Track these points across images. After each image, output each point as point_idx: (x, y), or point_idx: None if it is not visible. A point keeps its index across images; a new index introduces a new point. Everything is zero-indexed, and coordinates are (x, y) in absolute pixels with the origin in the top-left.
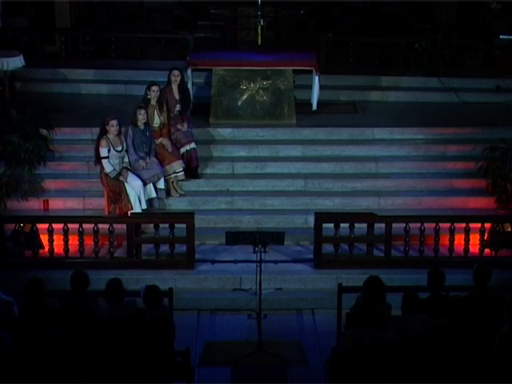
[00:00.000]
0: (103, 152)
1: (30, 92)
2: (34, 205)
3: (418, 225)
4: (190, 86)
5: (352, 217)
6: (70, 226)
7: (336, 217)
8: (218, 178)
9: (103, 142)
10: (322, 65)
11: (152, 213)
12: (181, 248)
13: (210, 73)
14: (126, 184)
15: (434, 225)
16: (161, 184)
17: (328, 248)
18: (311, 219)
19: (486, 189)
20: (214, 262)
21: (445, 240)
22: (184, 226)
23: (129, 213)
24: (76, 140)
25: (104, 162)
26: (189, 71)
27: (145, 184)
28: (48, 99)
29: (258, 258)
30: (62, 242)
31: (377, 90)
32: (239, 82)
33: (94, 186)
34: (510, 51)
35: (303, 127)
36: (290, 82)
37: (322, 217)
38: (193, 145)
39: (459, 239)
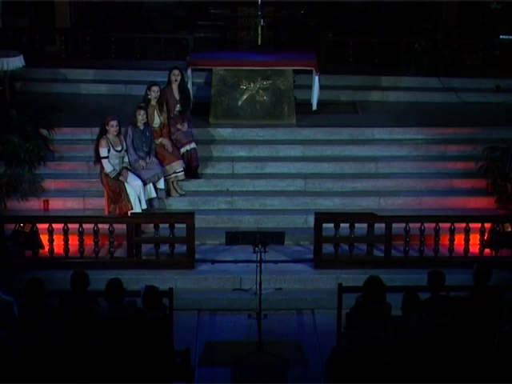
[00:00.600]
0: (103, 152)
1: (30, 92)
2: (34, 205)
3: (418, 225)
4: (190, 86)
5: (352, 217)
6: (70, 225)
7: (336, 217)
8: (218, 177)
9: (103, 142)
10: (322, 65)
11: (152, 213)
12: (181, 248)
13: (210, 73)
14: (126, 184)
15: (433, 225)
16: (161, 184)
17: (328, 248)
18: (311, 219)
19: (486, 189)
20: (214, 262)
21: (445, 240)
22: (184, 226)
23: (129, 213)
24: (76, 140)
25: (104, 161)
26: (189, 71)
27: (145, 184)
28: (48, 99)
29: (258, 258)
30: (62, 242)
31: (377, 90)
32: (239, 82)
33: (94, 186)
34: (510, 51)
35: (303, 127)
36: (290, 82)
37: (321, 217)
38: (193, 145)
39: (459, 239)
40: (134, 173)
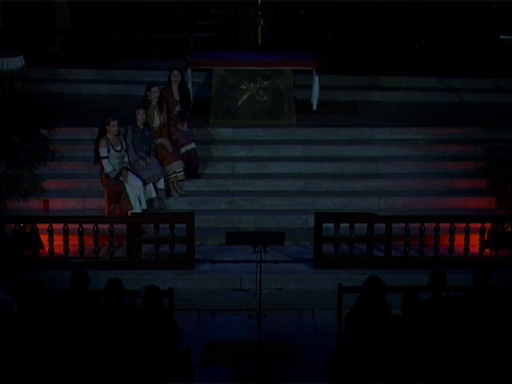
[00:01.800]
0: (103, 152)
1: (30, 92)
2: (34, 205)
3: (418, 225)
4: (190, 86)
5: (352, 217)
6: (70, 226)
7: (336, 217)
8: (217, 178)
9: (102, 142)
10: (322, 65)
11: (152, 213)
12: (181, 248)
13: (209, 73)
14: (126, 184)
15: (434, 225)
16: (161, 184)
17: (328, 248)
18: (311, 219)
19: (486, 189)
20: (214, 262)
21: (445, 240)
22: (184, 226)
23: (129, 213)
24: (76, 140)
25: (104, 161)
26: (189, 71)
27: (145, 184)
28: (48, 99)
29: (258, 258)
30: (62, 242)
31: (377, 90)
32: (239, 82)
33: (93, 186)
34: (510, 51)
35: (303, 127)
36: (290, 82)
37: (322, 217)
38: (193, 145)
39: (459, 239)
40: (134, 173)
